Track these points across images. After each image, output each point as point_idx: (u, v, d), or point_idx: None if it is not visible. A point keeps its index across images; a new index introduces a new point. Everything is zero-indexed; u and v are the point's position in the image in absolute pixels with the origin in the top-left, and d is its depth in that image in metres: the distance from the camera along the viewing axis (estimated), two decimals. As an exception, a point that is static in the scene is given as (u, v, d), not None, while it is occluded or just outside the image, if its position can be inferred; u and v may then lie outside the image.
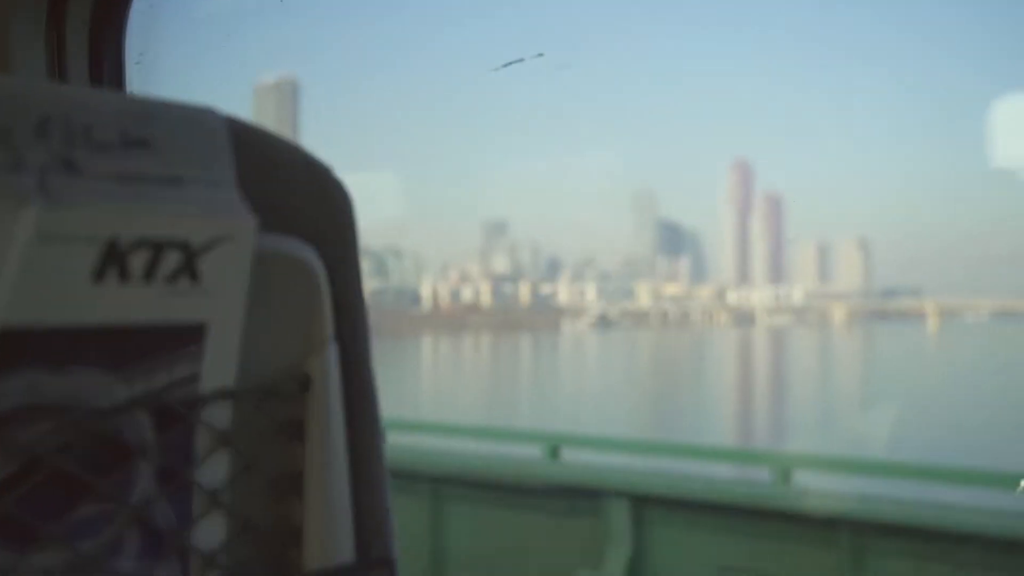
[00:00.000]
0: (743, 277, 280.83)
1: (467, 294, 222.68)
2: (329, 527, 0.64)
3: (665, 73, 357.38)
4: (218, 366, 0.60)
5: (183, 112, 0.61)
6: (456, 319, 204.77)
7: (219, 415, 0.60)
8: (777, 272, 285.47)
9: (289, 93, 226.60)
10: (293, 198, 0.66)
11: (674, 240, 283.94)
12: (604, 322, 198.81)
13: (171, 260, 0.57)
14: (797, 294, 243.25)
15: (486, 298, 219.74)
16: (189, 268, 0.58)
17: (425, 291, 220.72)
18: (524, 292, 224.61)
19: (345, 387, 0.66)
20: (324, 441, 0.64)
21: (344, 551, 0.65)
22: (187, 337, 0.59)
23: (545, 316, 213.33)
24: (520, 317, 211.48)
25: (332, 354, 0.65)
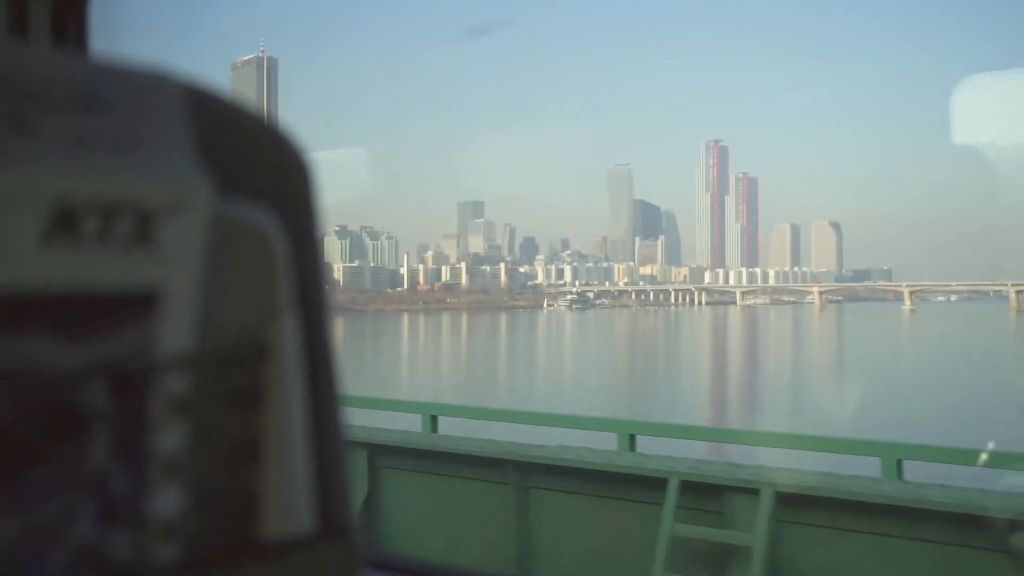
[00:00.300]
0: (718, 258, 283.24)
1: (445, 274, 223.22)
2: (288, 495, 0.61)
3: (644, 54, 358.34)
4: (174, 332, 0.57)
5: (141, 75, 0.59)
6: (435, 299, 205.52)
7: (175, 382, 0.57)
8: (752, 253, 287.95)
9: (266, 69, 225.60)
10: (252, 164, 0.63)
11: (650, 220, 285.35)
12: (583, 301, 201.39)
13: (125, 224, 0.54)
14: (772, 275, 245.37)
15: (463, 278, 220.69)
16: (144, 232, 0.55)
17: (403, 271, 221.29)
18: (501, 273, 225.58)
19: (305, 355, 0.63)
20: (282, 409, 0.61)
21: (303, 519, 0.62)
22: (142, 303, 0.56)
23: (524, 296, 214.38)
24: (499, 298, 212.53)
25: (291, 321, 0.62)
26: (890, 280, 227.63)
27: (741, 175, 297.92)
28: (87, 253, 0.53)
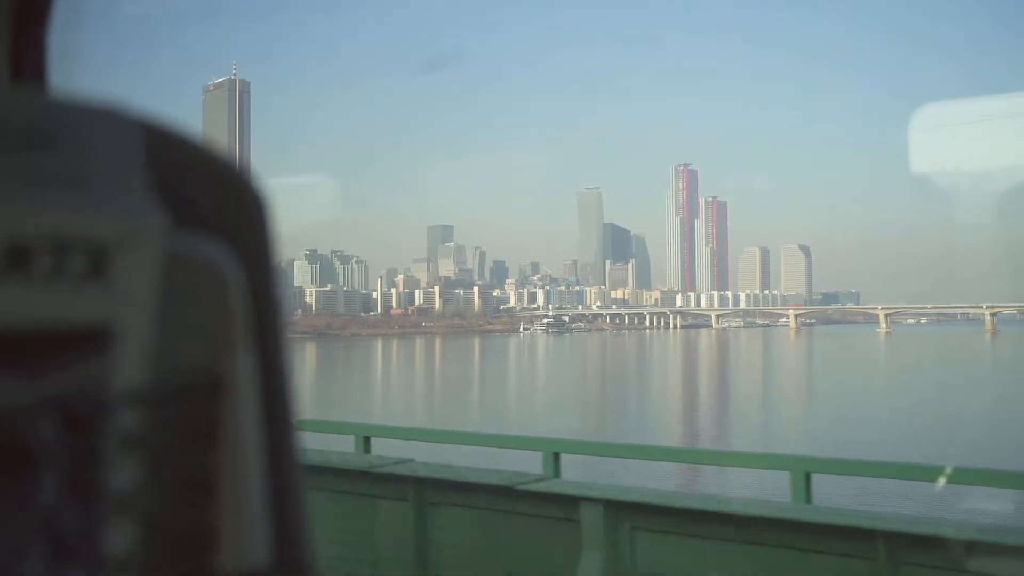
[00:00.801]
0: (688, 281, 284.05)
1: (418, 298, 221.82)
2: (244, 531, 0.61)
3: (613, 79, 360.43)
4: (128, 368, 0.56)
5: (95, 111, 0.59)
6: (410, 323, 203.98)
7: (129, 418, 0.57)
8: (722, 276, 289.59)
9: (239, 92, 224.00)
10: (207, 199, 0.63)
11: (620, 244, 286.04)
12: (558, 325, 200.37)
13: (77, 260, 0.54)
14: (743, 298, 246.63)
15: (437, 302, 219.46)
16: (97, 269, 0.55)
17: (375, 295, 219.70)
18: (475, 296, 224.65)
19: (260, 389, 0.63)
20: (238, 444, 0.61)
21: (260, 555, 0.62)
22: (95, 339, 0.56)
23: (500, 320, 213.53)
24: (474, 321, 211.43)
25: (246, 356, 0.62)
26: (858, 303, 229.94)
27: (711, 198, 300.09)
28: (39, 290, 0.53)
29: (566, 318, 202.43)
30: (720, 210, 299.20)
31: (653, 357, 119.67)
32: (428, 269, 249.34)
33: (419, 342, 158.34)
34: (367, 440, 8.29)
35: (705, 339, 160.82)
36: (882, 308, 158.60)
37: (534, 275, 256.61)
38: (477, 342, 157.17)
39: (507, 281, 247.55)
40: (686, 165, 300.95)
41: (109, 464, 0.56)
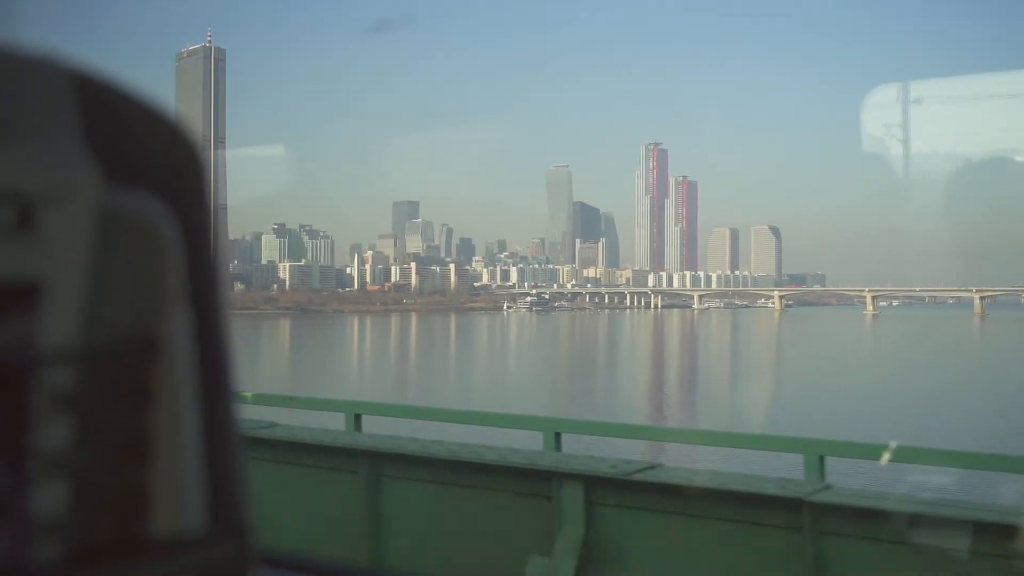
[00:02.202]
0: (657, 260, 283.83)
1: (394, 275, 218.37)
2: (178, 493, 0.59)
3: (582, 55, 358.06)
4: (58, 325, 0.55)
5: (25, 60, 0.56)
6: (391, 300, 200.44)
7: (59, 376, 0.55)
8: (691, 256, 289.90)
9: (213, 60, 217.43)
10: (142, 153, 0.60)
11: (589, 222, 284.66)
12: (541, 304, 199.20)
13: (4, 213, 0.53)
14: (715, 278, 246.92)
15: (413, 279, 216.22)
16: (24, 222, 0.53)
17: (350, 270, 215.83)
18: (451, 274, 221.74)
19: (197, 350, 0.61)
20: (173, 404, 0.59)
21: (195, 517, 0.60)
22: (23, 294, 0.54)
23: (482, 298, 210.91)
24: (455, 299, 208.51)
25: (182, 315, 0.60)
26: (824, 285, 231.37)
27: (681, 178, 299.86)
28: None
29: (546, 296, 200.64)
30: (690, 190, 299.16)
31: (651, 337, 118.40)
32: (395, 245, 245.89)
33: (404, 319, 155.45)
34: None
35: (693, 319, 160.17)
36: (869, 290, 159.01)
37: (501, 252, 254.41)
38: (465, 320, 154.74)
39: (474, 258, 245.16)
40: (656, 144, 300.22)
41: (37, 423, 0.55)
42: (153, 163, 0.60)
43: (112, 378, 0.57)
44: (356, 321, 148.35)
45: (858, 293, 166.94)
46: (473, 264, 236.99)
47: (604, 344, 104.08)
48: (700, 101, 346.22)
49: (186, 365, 0.60)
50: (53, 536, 0.55)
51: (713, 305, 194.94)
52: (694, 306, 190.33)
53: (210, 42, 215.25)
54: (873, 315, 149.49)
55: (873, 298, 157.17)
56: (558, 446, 7.15)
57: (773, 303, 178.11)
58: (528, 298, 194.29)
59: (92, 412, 0.56)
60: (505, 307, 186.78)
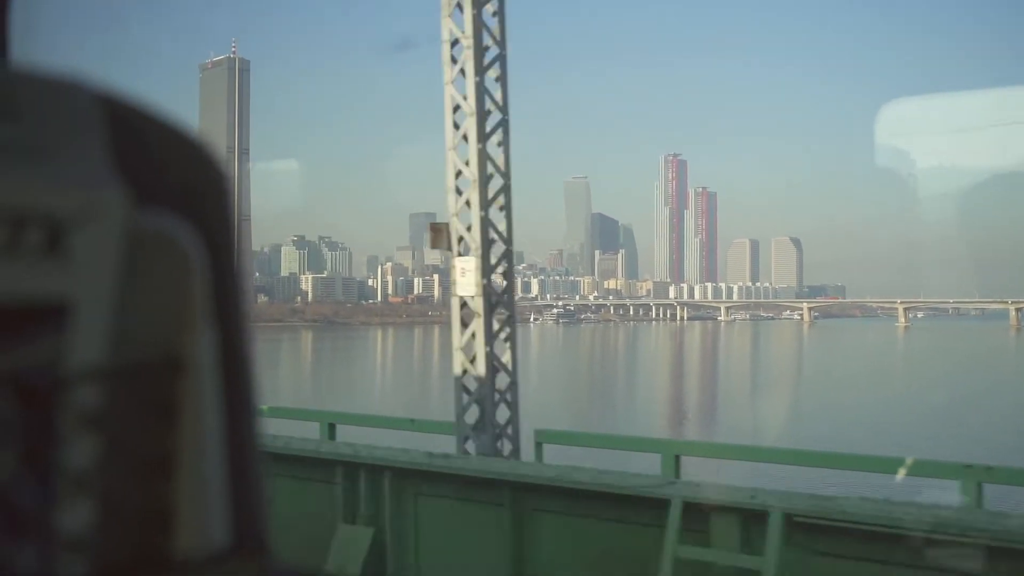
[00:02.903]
0: (677, 272, 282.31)
1: (417, 286, 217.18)
2: (202, 511, 0.59)
3: (601, 67, 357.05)
4: (85, 344, 0.55)
5: (54, 83, 0.57)
6: (418, 312, 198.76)
7: (86, 394, 0.55)
8: (711, 267, 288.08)
9: (238, 71, 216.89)
10: (169, 175, 0.61)
11: (608, 234, 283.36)
12: (568, 316, 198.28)
13: (35, 234, 0.53)
14: (736, 290, 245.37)
15: (436, 291, 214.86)
16: (54, 243, 0.54)
17: (372, 282, 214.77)
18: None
19: (221, 368, 0.61)
20: (197, 424, 0.59)
21: (218, 536, 0.60)
22: (52, 314, 0.54)
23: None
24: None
25: (206, 335, 0.60)
26: (844, 296, 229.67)
27: (700, 189, 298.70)
28: None
29: (571, 308, 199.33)
30: (710, 201, 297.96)
31: (696, 350, 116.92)
32: (413, 257, 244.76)
33: (432, 331, 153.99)
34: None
35: (725, 331, 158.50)
36: (901, 302, 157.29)
37: (519, 264, 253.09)
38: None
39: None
40: (676, 155, 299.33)
41: (65, 441, 0.55)
42: (178, 183, 0.61)
43: (138, 396, 0.58)
44: (387, 334, 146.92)
45: (889, 305, 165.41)
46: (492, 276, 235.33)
47: (653, 358, 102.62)
48: (719, 113, 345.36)
49: (210, 383, 0.61)
50: (79, 553, 0.56)
51: (739, 317, 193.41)
52: (720, 318, 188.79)
53: (235, 53, 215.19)
54: (905, 327, 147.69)
55: (905, 310, 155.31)
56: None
57: (800, 315, 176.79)
58: (554, 310, 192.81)
59: (118, 430, 0.57)
60: (532, 319, 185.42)
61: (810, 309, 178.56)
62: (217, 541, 0.61)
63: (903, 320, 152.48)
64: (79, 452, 0.55)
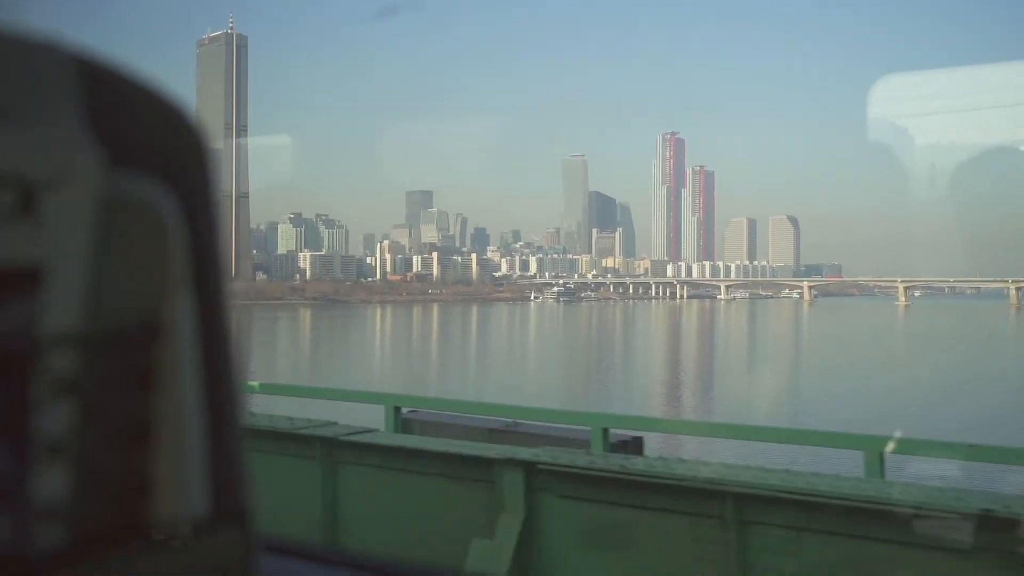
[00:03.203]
0: (674, 251, 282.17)
1: (415, 264, 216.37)
2: (181, 478, 0.59)
3: (597, 45, 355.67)
4: (60, 310, 0.55)
5: (27, 44, 0.56)
6: (418, 290, 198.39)
7: (61, 361, 0.55)
8: (708, 246, 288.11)
9: (235, 47, 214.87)
10: (145, 137, 0.60)
11: (605, 212, 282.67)
12: (568, 294, 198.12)
13: (5, 197, 0.53)
14: (734, 269, 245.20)
15: (435, 269, 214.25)
16: (26, 206, 0.53)
17: (369, 260, 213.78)
18: (473, 264, 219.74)
19: (200, 336, 0.61)
20: (175, 390, 0.59)
21: (197, 503, 0.60)
22: (25, 279, 0.54)
23: (509, 288, 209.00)
24: (480, 289, 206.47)
25: (184, 300, 0.60)
26: (839, 275, 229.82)
27: (698, 168, 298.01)
28: None
29: (571, 286, 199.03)
30: (708, 179, 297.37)
31: (701, 328, 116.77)
32: (410, 235, 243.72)
33: (435, 310, 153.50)
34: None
35: (728, 310, 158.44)
36: (901, 281, 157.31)
37: (516, 242, 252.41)
38: (499, 311, 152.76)
39: (489, 248, 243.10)
40: (673, 133, 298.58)
41: (40, 408, 0.55)
42: (156, 148, 0.60)
43: (114, 364, 0.57)
44: (388, 312, 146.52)
45: (887, 284, 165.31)
46: (488, 254, 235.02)
47: (665, 337, 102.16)
48: (718, 92, 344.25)
49: (188, 351, 0.60)
50: (55, 522, 0.55)
51: (738, 295, 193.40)
52: (720, 296, 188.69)
53: (232, 28, 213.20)
54: (905, 305, 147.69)
55: (905, 289, 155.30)
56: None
57: (799, 293, 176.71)
58: (555, 288, 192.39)
59: (94, 398, 0.56)
60: (532, 297, 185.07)
61: (810, 288, 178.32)
62: (197, 510, 0.60)
63: (903, 299, 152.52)
64: (54, 419, 0.55)
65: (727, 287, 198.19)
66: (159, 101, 0.61)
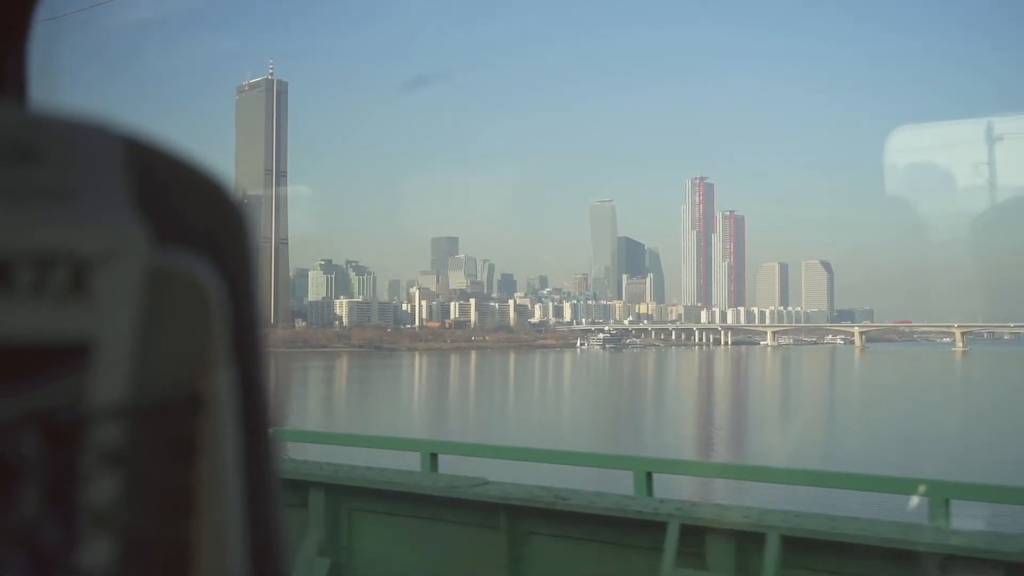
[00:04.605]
0: (704, 296, 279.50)
1: (453, 311, 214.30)
2: (222, 546, 0.61)
3: (625, 90, 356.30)
4: (108, 383, 0.57)
5: (77, 125, 0.59)
6: (462, 337, 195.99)
7: (108, 433, 0.57)
8: (739, 291, 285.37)
9: (275, 93, 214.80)
10: (189, 214, 0.63)
11: (634, 258, 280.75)
12: (614, 341, 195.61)
13: (59, 274, 0.55)
14: (768, 314, 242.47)
15: (472, 315, 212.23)
16: (78, 283, 0.55)
17: (406, 307, 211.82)
18: (510, 311, 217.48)
19: (240, 406, 0.63)
20: (216, 460, 0.61)
21: (237, 570, 0.62)
22: (75, 353, 0.56)
23: (553, 335, 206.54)
24: (523, 336, 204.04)
25: (226, 372, 0.62)
26: (872, 320, 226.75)
27: (727, 212, 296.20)
28: (21, 304, 0.54)
29: (615, 332, 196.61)
30: (737, 224, 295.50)
31: (764, 376, 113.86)
32: (438, 281, 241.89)
33: (483, 357, 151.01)
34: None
35: (775, 357, 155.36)
36: (959, 326, 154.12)
37: (543, 288, 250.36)
38: (548, 358, 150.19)
39: (516, 294, 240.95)
40: (703, 178, 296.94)
41: (88, 479, 0.56)
42: (199, 224, 0.62)
43: (158, 435, 0.58)
44: (435, 359, 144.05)
45: (935, 328, 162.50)
46: (516, 300, 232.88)
47: (732, 385, 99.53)
48: (746, 136, 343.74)
49: (229, 420, 0.62)
50: None
51: (781, 341, 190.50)
52: (765, 343, 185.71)
53: (272, 75, 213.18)
54: (963, 352, 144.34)
55: (963, 334, 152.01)
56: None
57: (843, 339, 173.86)
58: (600, 335, 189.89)
59: (139, 468, 0.57)
60: (579, 344, 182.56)
61: (861, 333, 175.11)
62: None
63: (960, 345, 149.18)
64: (101, 490, 0.56)
65: (774, 333, 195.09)
66: (202, 178, 0.63)
